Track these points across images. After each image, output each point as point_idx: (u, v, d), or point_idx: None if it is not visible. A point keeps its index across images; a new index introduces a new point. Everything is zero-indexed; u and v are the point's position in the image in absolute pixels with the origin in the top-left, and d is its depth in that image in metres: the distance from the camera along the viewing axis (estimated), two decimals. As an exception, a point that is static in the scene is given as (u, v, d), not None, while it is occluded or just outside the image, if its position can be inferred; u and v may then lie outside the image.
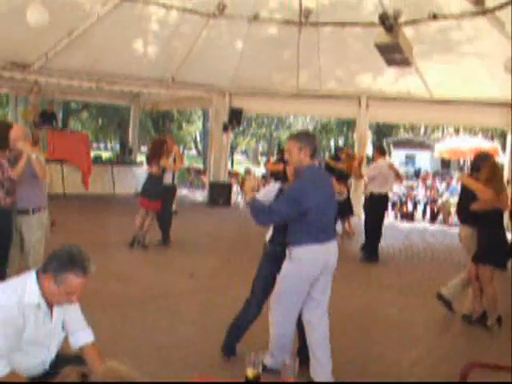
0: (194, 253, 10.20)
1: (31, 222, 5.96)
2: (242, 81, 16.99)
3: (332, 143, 53.53)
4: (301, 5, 13.65)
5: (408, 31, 12.08)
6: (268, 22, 14.58)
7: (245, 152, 56.49)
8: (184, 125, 38.47)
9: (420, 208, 18.44)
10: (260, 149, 52.47)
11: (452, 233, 15.12)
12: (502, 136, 37.27)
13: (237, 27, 14.61)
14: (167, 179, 10.44)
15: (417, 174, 35.98)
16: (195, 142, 47.69)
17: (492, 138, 34.28)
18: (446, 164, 44.72)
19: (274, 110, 21.14)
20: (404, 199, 19.30)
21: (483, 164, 6.94)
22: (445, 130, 49.45)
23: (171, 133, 31.67)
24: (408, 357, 5.70)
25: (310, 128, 45.31)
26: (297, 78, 16.57)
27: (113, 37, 14.05)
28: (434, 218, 17.67)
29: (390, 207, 17.10)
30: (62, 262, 3.02)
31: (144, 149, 31.61)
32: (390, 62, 12.19)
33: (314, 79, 16.33)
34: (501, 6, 11.68)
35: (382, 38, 11.57)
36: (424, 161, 43.91)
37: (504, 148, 19.58)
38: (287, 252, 4.68)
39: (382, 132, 48.41)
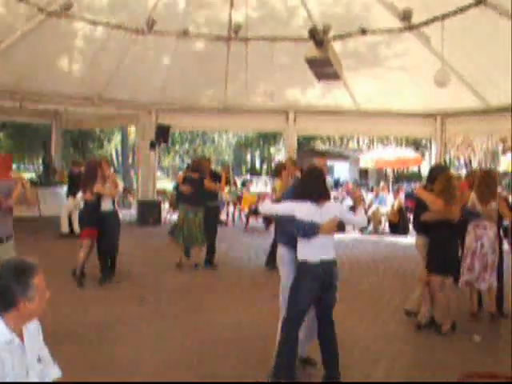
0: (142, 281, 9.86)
1: (8, 249, 5.81)
2: (170, 97, 16.81)
3: (248, 157, 54.00)
4: (230, 20, 13.63)
5: (337, 45, 12.23)
6: (197, 37, 14.47)
7: (165, 169, 56.04)
8: (105, 144, 37.82)
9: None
10: (185, 166, 52.22)
11: (386, 242, 15.49)
12: (415, 145, 38.73)
13: (165, 43, 14.42)
14: (106, 205, 9.41)
15: (336, 184, 36.49)
16: (111, 160, 47.03)
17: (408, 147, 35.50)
18: (364, 174, 45.88)
19: (202, 126, 21.08)
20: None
21: (439, 176, 7.16)
22: (361, 141, 50.94)
23: (90, 152, 31.11)
24: (379, 368, 5.72)
25: (233, 143, 45.66)
26: (225, 93, 16.55)
27: (37, 53, 13.58)
28: (363, 229, 17.96)
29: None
30: (19, 280, 2.78)
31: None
32: (320, 77, 12.30)
33: (241, 94, 16.32)
34: (426, 22, 12.05)
35: (312, 52, 11.67)
36: (342, 171, 44.59)
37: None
38: None
39: (299, 143, 49.16)
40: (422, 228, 7.33)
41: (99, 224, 9.22)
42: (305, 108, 16.94)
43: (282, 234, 5.61)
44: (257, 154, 54.79)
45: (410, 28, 12.56)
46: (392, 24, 12.77)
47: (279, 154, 58.58)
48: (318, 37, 11.61)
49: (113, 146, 41.64)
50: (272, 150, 54.86)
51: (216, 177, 11.49)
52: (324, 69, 11.94)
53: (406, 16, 12.05)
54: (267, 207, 5.47)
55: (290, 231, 5.20)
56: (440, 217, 6.86)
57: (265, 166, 56.45)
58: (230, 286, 9.55)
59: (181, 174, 13.62)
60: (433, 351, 6.27)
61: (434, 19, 11.63)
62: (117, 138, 38.69)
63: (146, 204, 17.65)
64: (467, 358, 6.00)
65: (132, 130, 32.95)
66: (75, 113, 18.28)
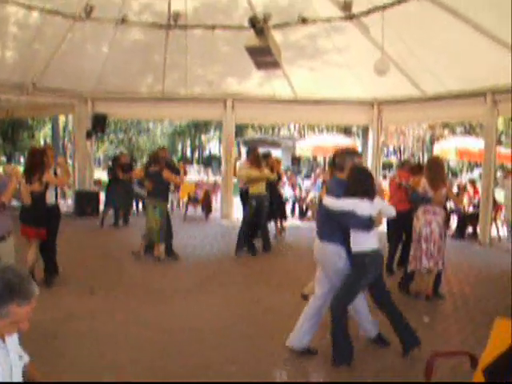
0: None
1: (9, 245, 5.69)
2: (107, 86, 16.51)
3: (180, 146, 53.78)
4: (169, 8, 13.48)
5: (277, 36, 12.26)
6: (135, 25, 14.25)
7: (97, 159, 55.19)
8: (37, 133, 36.86)
9: (288, 206, 18.83)
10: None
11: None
12: (346, 132, 39.35)
13: (103, 30, 14.14)
14: (51, 198, 8.56)
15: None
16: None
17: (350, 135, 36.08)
18: (296, 161, 46.57)
19: (140, 115, 20.90)
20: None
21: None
22: (292, 128, 51.69)
23: (22, 142, 30.30)
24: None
25: (170, 132, 45.17)
26: (163, 82, 16.40)
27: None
28: (303, 215, 18.23)
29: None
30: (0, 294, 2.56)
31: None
32: (260, 65, 12.35)
33: (180, 83, 16.23)
34: (367, 12, 12.25)
35: (252, 41, 11.70)
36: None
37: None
38: None
39: (235, 132, 49.34)
40: None
41: (46, 219, 8.37)
42: (243, 96, 16.95)
43: (334, 230, 5.70)
44: (187, 143, 54.62)
45: (351, 18, 12.71)
46: (332, 14, 12.91)
47: (211, 142, 58.77)
48: (258, 25, 11.65)
49: (42, 136, 40.63)
50: (203, 138, 54.90)
51: (171, 168, 11.28)
52: (264, 57, 11.98)
53: (346, 6, 12.21)
54: (331, 203, 5.61)
55: (345, 226, 5.58)
56: None
57: (196, 155, 56.35)
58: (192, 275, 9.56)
59: (137, 169, 13.51)
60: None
61: (375, 9, 11.84)
62: (47, 128, 37.71)
63: (83, 194, 17.32)
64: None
65: (63, 119, 32.25)
66: (6, 101, 17.72)
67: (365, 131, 43.19)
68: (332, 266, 5.74)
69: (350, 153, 6.08)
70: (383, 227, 8.76)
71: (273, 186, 12.44)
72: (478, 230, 14.31)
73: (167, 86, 16.53)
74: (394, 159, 44.62)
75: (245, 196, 11.87)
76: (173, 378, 5.06)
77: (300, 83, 16.17)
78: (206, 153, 58.51)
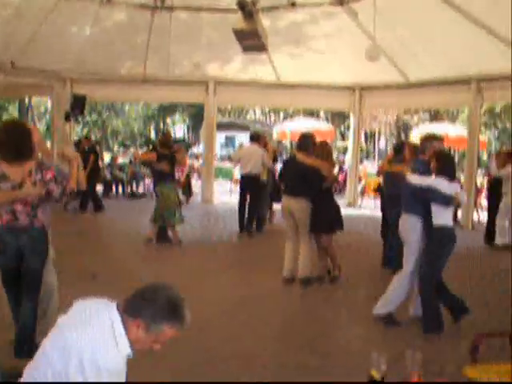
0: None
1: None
2: (87, 67, 16.19)
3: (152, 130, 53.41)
4: (156, -12, 13.26)
5: (263, 21, 12.14)
6: (120, 5, 13.98)
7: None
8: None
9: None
10: (93, 137, 50.80)
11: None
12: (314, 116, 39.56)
13: (86, 10, 13.84)
14: None
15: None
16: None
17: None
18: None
19: (120, 97, 20.70)
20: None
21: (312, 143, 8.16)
22: (262, 112, 51.91)
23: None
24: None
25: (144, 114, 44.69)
26: (144, 64, 16.18)
27: None
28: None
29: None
30: (161, 311, 2.56)
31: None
32: (247, 49, 12.27)
33: (163, 65, 16.03)
34: (358, -2, 12.23)
35: (240, 24, 11.61)
36: (243, 141, 45.19)
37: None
38: None
39: (198, 114, 49.40)
40: (301, 193, 7.90)
41: None
42: (225, 80, 16.87)
43: (415, 204, 6.26)
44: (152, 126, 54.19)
45: (341, 3, 12.69)
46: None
47: (176, 126, 58.46)
48: (246, 8, 11.57)
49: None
50: (168, 121, 54.49)
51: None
52: (251, 41, 11.87)
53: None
54: (418, 180, 6.22)
55: (425, 201, 6.10)
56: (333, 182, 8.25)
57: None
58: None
59: (146, 152, 13.37)
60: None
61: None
62: (12, 108, 36.61)
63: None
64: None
65: (35, 100, 31.65)
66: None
67: (333, 116, 43.98)
68: (407, 235, 6.35)
69: (432, 138, 6.88)
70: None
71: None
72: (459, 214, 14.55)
73: (149, 68, 16.29)
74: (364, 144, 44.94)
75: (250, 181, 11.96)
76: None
77: (284, 67, 16.12)
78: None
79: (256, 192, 12.06)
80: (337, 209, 8.26)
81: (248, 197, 12.11)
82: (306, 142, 8.16)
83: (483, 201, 17.50)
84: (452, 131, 19.96)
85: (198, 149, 45.00)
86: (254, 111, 56.14)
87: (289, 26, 14.12)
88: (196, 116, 51.06)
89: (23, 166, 4.64)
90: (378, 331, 6.11)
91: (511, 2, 9.34)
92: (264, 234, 12.32)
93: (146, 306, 2.56)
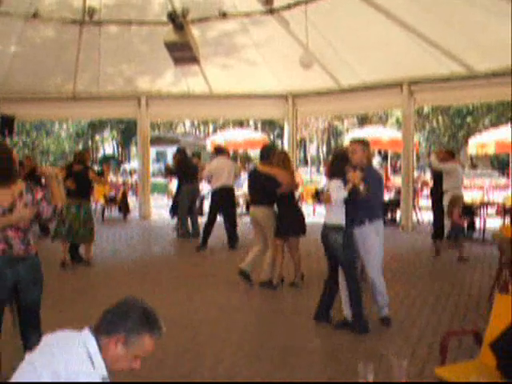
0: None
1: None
2: (14, 86, 15.70)
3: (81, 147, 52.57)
4: (84, 2, 12.93)
5: (194, 32, 12.07)
6: (47, 20, 13.57)
7: None
8: None
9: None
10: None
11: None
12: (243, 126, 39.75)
13: (12, 26, 13.38)
14: None
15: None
16: None
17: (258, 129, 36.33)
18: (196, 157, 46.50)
19: (50, 115, 20.16)
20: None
21: (271, 153, 8.52)
22: (192, 124, 51.96)
23: None
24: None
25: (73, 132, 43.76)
26: (74, 81, 15.82)
27: None
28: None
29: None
30: (139, 321, 2.49)
31: None
32: (178, 61, 12.20)
33: (93, 81, 15.77)
34: (288, 7, 12.26)
35: (171, 36, 11.54)
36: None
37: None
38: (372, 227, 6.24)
39: (127, 131, 49.00)
40: (267, 200, 8.29)
41: None
42: (158, 94, 16.68)
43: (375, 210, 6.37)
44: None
45: (272, 12, 12.72)
46: (253, 8, 12.87)
47: (106, 142, 57.70)
48: (177, 20, 11.48)
49: None
50: (97, 138, 53.73)
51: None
52: (183, 53, 11.83)
53: (267, 0, 12.16)
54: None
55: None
56: (289, 188, 8.16)
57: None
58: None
59: (58, 168, 12.87)
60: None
61: (296, 3, 11.88)
62: None
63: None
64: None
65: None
66: None
67: (263, 124, 44.33)
68: (373, 239, 6.38)
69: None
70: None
71: None
72: (398, 215, 14.81)
73: (79, 84, 15.94)
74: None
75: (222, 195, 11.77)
76: None
77: (216, 79, 16.03)
78: (101, 153, 57.25)
79: (233, 204, 12.15)
80: (300, 214, 8.47)
81: (222, 212, 11.92)
82: (265, 152, 8.67)
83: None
84: (385, 134, 20.27)
85: (129, 165, 44.53)
86: (184, 124, 56.07)
87: (219, 36, 14.07)
88: (125, 132, 50.67)
89: (11, 188, 4.34)
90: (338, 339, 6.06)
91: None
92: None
93: (122, 320, 2.48)
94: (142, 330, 2.48)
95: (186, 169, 13.32)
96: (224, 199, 11.75)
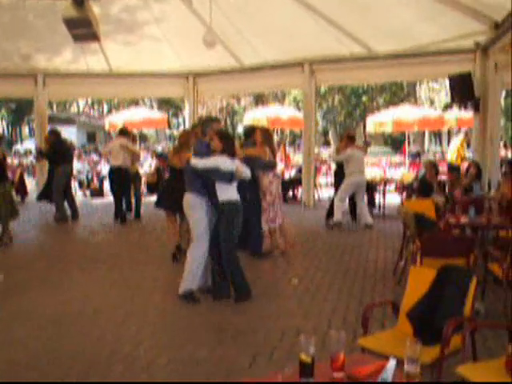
0: None
1: None
2: None
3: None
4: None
5: (94, 8, 11.74)
6: None
7: None
8: None
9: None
10: None
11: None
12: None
13: None
14: None
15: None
16: None
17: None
18: (91, 137, 46.00)
19: None
20: (90, 176, 19.28)
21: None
22: (87, 103, 50.72)
23: None
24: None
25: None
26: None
27: None
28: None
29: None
30: None
31: None
32: (78, 38, 11.82)
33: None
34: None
35: (70, 12, 11.14)
36: (70, 136, 43.89)
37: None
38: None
39: (18, 111, 47.22)
40: None
41: None
42: (55, 72, 16.14)
43: (196, 183, 6.53)
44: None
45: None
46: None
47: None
48: (78, -5, 11.09)
49: None
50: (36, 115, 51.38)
51: None
52: (83, 29, 11.45)
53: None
54: (197, 162, 6.41)
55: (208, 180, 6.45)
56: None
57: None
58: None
59: None
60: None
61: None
62: None
63: None
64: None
65: None
66: None
67: (159, 103, 43.79)
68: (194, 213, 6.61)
69: (210, 120, 7.27)
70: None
71: None
72: (300, 193, 15.19)
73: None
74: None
75: None
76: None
77: (116, 57, 15.75)
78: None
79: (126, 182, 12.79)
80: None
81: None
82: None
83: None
84: (284, 113, 20.51)
85: (21, 146, 42.79)
86: (77, 103, 54.50)
87: (120, 12, 13.77)
88: (17, 111, 48.64)
89: None
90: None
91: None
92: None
93: None
94: None
95: (61, 150, 12.95)
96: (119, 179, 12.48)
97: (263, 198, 8.75)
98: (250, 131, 9.06)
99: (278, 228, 9.05)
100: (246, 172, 6.55)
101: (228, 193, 6.39)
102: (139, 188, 13.56)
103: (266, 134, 8.85)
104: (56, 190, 12.76)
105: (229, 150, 6.40)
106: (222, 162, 6.29)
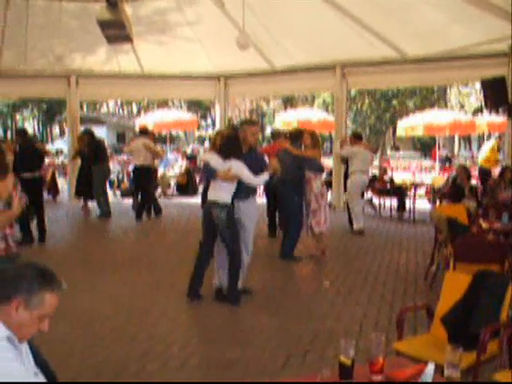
0: None
1: None
2: None
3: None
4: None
5: (127, 9, 11.86)
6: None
7: None
8: None
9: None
10: None
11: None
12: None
13: None
14: None
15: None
16: None
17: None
18: (121, 138, 46.34)
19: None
20: (121, 176, 19.44)
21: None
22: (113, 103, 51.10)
23: None
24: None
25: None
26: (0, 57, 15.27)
27: None
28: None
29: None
30: (36, 280, 2.35)
31: None
32: (111, 39, 11.92)
33: (20, 58, 15.22)
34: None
35: (105, 14, 11.27)
36: (100, 135, 44.23)
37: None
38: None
39: (50, 111, 47.71)
40: None
41: None
42: (88, 73, 16.30)
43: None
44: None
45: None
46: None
47: (27, 122, 55.90)
48: (112, -2, 11.22)
49: None
50: (17, 117, 52.06)
51: None
52: (116, 31, 11.56)
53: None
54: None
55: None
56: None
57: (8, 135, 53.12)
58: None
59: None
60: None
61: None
62: None
63: None
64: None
65: None
66: None
67: (189, 105, 43.98)
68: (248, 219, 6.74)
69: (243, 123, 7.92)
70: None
71: None
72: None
73: (4, 61, 15.38)
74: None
75: None
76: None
77: (147, 58, 15.81)
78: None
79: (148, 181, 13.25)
80: None
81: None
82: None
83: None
84: (314, 116, 20.54)
85: (52, 145, 43.24)
86: (107, 104, 54.90)
87: (153, 14, 13.87)
88: (48, 111, 49.14)
89: (6, 180, 3.85)
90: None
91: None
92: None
93: (16, 283, 2.35)
94: (42, 287, 2.37)
95: (98, 149, 13.24)
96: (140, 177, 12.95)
97: (314, 200, 8.75)
98: (298, 134, 9.06)
99: (323, 232, 9.04)
100: (249, 178, 6.41)
101: (216, 193, 6.44)
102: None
103: (315, 137, 8.96)
104: (97, 187, 13.21)
105: (224, 150, 6.44)
106: (212, 158, 6.50)
